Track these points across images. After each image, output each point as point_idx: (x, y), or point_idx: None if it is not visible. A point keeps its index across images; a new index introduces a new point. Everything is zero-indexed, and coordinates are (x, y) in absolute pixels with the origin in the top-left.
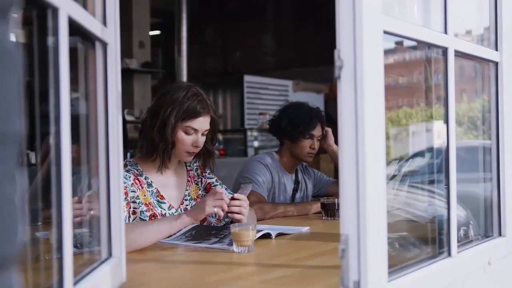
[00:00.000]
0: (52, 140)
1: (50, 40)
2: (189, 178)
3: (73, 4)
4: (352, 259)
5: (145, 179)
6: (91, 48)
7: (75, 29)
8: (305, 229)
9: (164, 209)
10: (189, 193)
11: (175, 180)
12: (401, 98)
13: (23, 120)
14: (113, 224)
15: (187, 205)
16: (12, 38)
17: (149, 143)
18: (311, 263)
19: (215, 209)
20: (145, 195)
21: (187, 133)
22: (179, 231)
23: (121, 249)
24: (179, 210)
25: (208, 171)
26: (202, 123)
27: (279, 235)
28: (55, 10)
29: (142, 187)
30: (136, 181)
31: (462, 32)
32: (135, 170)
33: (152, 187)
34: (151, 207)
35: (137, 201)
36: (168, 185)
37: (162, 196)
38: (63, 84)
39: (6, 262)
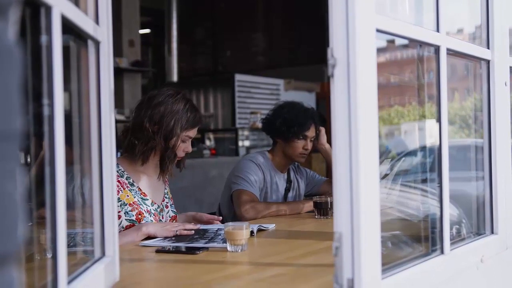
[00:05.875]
0: (45, 140)
1: (43, 38)
2: (166, 179)
3: (66, 3)
4: (346, 256)
5: (127, 179)
6: (84, 46)
7: (68, 27)
8: (271, 226)
9: (148, 206)
10: (167, 192)
11: (155, 180)
12: (393, 97)
13: (22, 118)
14: (107, 224)
15: (167, 202)
16: (12, 36)
17: (149, 150)
18: (305, 262)
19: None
20: (128, 196)
21: (183, 141)
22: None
23: (115, 248)
24: (161, 206)
25: None
26: (196, 131)
27: (259, 231)
28: (48, 9)
29: (124, 188)
30: (117, 183)
31: (453, 30)
32: (116, 168)
33: (134, 186)
34: (136, 205)
35: (119, 203)
36: (149, 184)
37: (144, 193)
38: (57, 83)
39: (7, 259)
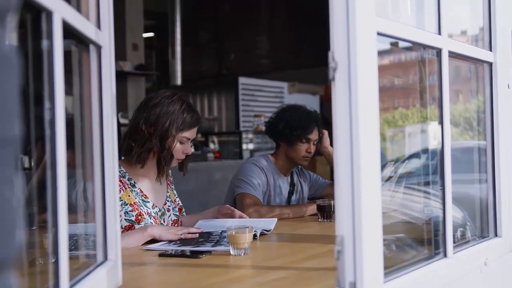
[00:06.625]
0: (47, 144)
1: (44, 43)
2: (169, 182)
3: (67, 8)
4: (348, 260)
5: (128, 180)
6: (85, 51)
7: (69, 32)
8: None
9: (149, 208)
10: (169, 195)
11: (156, 183)
12: (397, 99)
13: (21, 123)
14: (109, 228)
15: (169, 206)
16: (10, 42)
17: (146, 152)
18: (308, 265)
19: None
20: (129, 196)
21: (181, 142)
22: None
23: (117, 252)
24: (162, 209)
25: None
26: (194, 132)
27: (261, 234)
28: (49, 14)
29: (125, 188)
30: (119, 182)
31: (457, 33)
32: (118, 172)
33: (136, 187)
34: (136, 206)
35: (119, 202)
36: (151, 187)
37: (145, 195)
38: (58, 88)
39: (5, 265)
